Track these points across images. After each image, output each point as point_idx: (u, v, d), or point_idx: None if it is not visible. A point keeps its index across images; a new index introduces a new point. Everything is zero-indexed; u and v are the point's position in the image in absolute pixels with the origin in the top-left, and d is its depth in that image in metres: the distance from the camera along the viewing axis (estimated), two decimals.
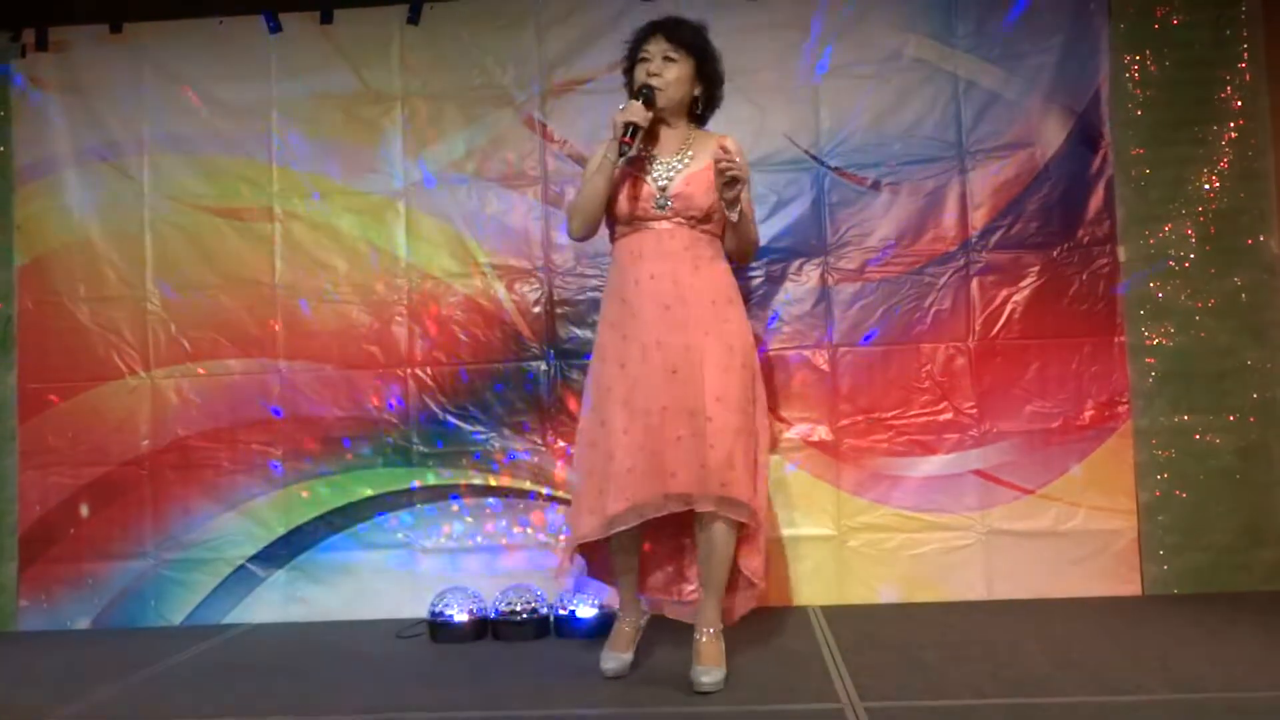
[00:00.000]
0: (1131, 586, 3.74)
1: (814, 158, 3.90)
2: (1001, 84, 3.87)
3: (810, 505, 3.84)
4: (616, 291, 2.97)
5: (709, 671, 2.82)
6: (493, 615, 3.56)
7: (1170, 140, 3.81)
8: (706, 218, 2.95)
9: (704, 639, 2.90)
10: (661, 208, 2.92)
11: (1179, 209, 3.81)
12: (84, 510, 3.99)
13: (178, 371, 4.01)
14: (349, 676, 3.16)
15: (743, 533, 2.91)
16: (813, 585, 3.81)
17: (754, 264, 3.87)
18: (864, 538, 3.82)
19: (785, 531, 3.83)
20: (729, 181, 2.83)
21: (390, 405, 3.96)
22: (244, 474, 3.97)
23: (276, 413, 3.98)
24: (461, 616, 3.54)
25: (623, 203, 2.94)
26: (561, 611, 3.53)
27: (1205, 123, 3.81)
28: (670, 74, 2.95)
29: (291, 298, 4.00)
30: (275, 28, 4.04)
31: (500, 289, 3.96)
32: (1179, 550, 3.74)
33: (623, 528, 2.84)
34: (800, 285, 3.89)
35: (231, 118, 4.05)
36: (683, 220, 2.93)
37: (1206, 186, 3.81)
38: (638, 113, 2.86)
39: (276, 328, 4.00)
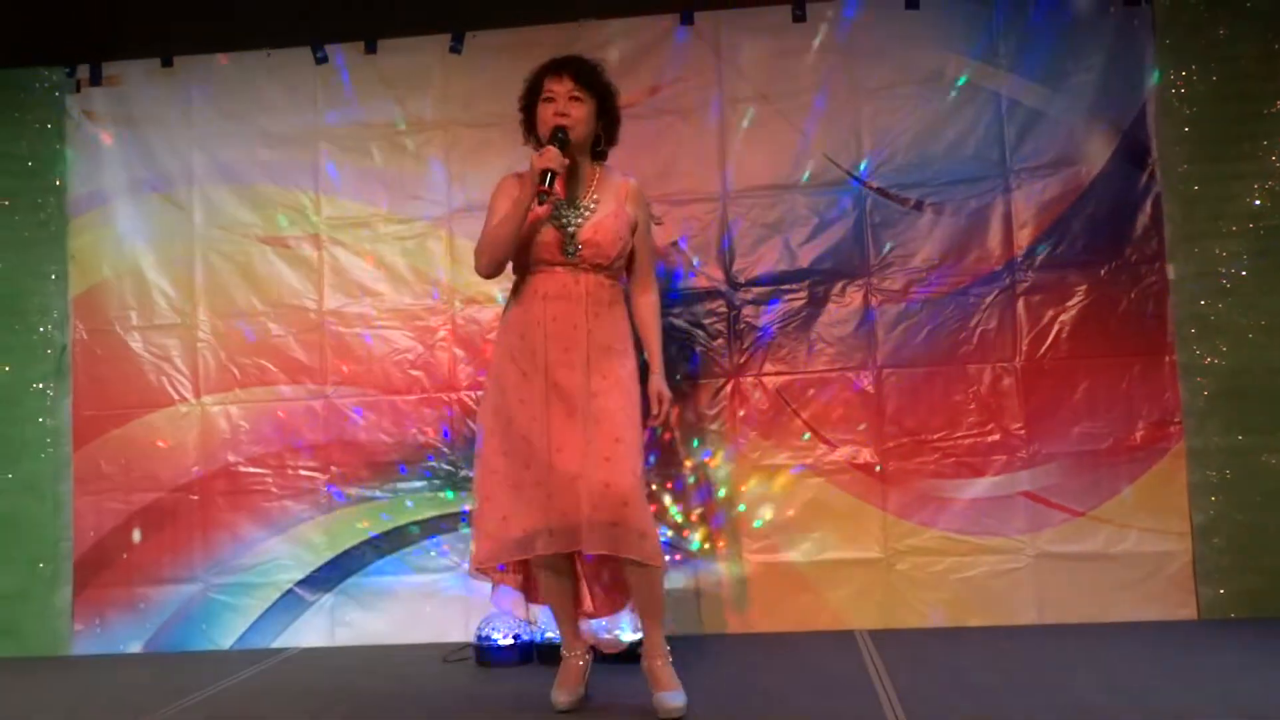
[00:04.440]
0: (1186, 610, 3.67)
1: (856, 179, 3.89)
2: (1045, 102, 3.84)
3: (856, 528, 3.81)
4: (517, 326, 2.97)
5: (675, 695, 2.83)
6: (538, 639, 3.56)
7: (1219, 156, 3.76)
8: (611, 264, 2.97)
9: (659, 664, 2.90)
10: (571, 254, 2.93)
11: (1229, 226, 3.76)
12: (136, 535, 4.05)
13: (227, 398, 4.07)
14: (395, 701, 3.17)
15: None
16: (860, 609, 3.78)
17: (796, 285, 3.88)
18: (911, 561, 3.78)
19: (831, 555, 3.80)
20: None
21: (434, 430, 3.99)
22: (292, 499, 4.01)
23: (323, 438, 4.02)
24: (506, 641, 3.54)
25: (530, 247, 2.93)
26: (605, 636, 3.51)
27: (1255, 138, 3.76)
28: (578, 112, 2.94)
29: (338, 324, 4.05)
30: (321, 59, 4.11)
31: None
32: (1235, 573, 3.66)
33: (521, 556, 2.91)
34: (843, 307, 3.87)
35: (279, 148, 4.12)
36: (589, 266, 2.94)
37: (1257, 203, 3.75)
38: (555, 159, 2.83)
39: (323, 354, 4.05)
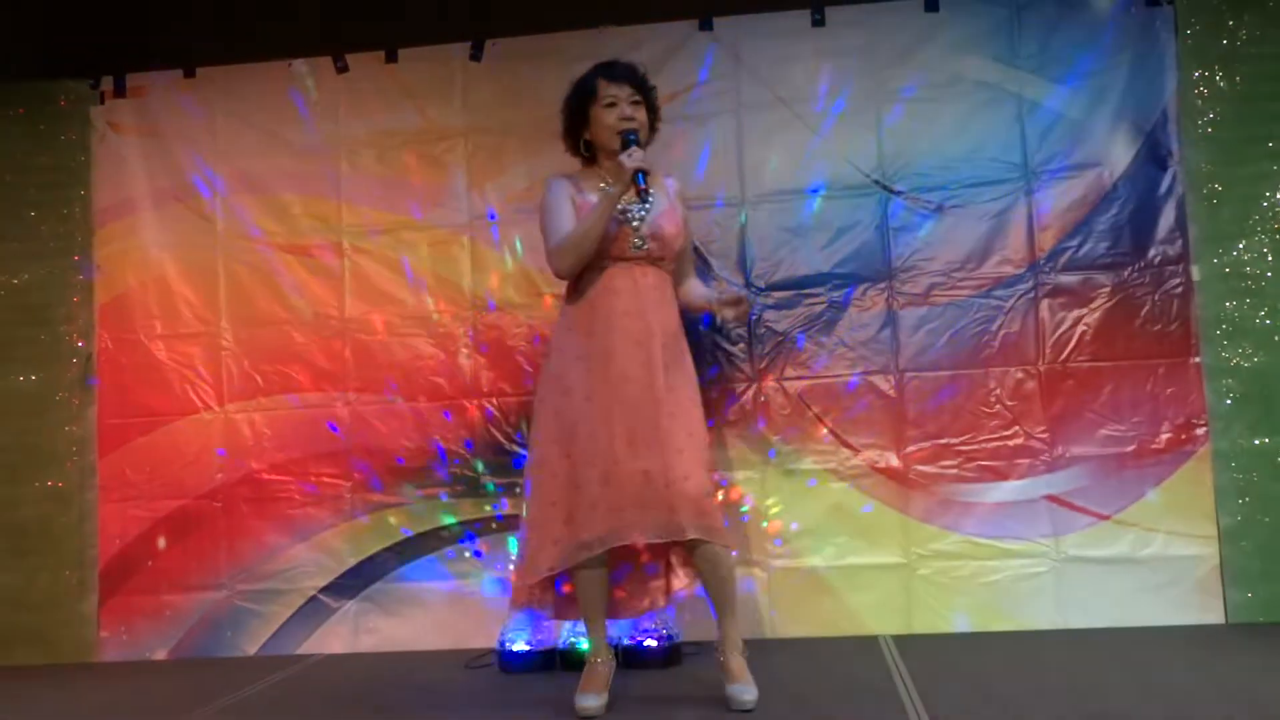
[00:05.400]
0: (1214, 614, 3.63)
1: (877, 183, 3.88)
2: (1066, 104, 3.82)
3: (878, 533, 3.79)
4: (584, 325, 3.03)
5: (747, 689, 2.89)
6: (560, 645, 3.56)
7: (1243, 157, 3.73)
8: (672, 257, 3.09)
9: (733, 659, 2.95)
10: (639, 248, 3.01)
11: (1254, 226, 3.73)
12: (161, 543, 4.07)
13: (250, 405, 4.09)
14: (418, 707, 3.18)
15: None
16: (883, 614, 3.76)
17: (817, 290, 3.87)
18: (935, 565, 3.76)
19: (853, 560, 3.79)
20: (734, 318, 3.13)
21: (457, 436, 3.99)
22: (315, 506, 4.03)
23: (346, 445, 4.03)
24: (529, 647, 3.54)
25: (602, 242, 3.00)
26: (629, 642, 3.51)
27: (1279, 138, 3.73)
28: (641, 116, 3.07)
29: (360, 331, 4.07)
30: (342, 68, 4.14)
31: None
32: (1263, 577, 3.63)
33: (586, 557, 2.92)
34: (865, 310, 3.86)
35: (300, 157, 4.14)
36: (652, 260, 3.04)
37: None
38: (645, 159, 2.97)
39: (345, 361, 4.06)
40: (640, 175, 2.93)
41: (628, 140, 2.99)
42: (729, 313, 3.09)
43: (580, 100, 3.11)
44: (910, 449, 3.80)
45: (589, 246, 2.98)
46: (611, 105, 3.04)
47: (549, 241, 3.06)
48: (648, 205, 3.03)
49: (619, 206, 2.99)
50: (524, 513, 3.10)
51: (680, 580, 3.18)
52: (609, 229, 2.98)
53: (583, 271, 3.04)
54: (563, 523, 2.94)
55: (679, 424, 2.94)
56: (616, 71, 3.10)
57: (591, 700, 2.94)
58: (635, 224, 3.01)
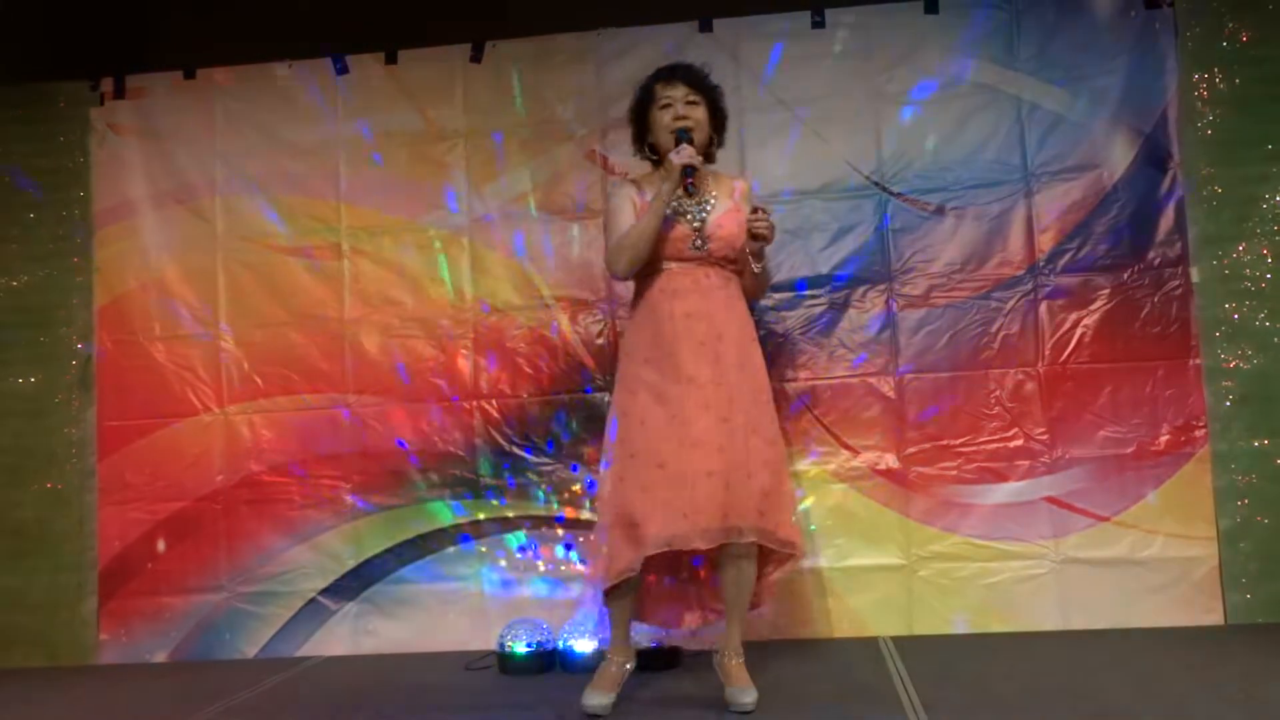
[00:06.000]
0: (1214, 616, 3.64)
1: (877, 184, 3.89)
2: (1065, 106, 3.83)
3: (878, 534, 3.79)
4: (649, 327, 3.04)
5: (747, 691, 2.91)
6: (560, 646, 3.56)
7: (1243, 159, 3.74)
8: (735, 256, 3.08)
9: (733, 662, 2.99)
10: (699, 248, 3.02)
11: (1254, 229, 3.74)
12: (161, 545, 4.07)
13: (250, 407, 4.09)
14: (418, 709, 3.18)
15: (774, 557, 3.06)
16: (883, 616, 3.76)
17: (818, 292, 3.88)
18: (935, 567, 3.76)
19: (853, 561, 3.79)
20: (756, 237, 3.01)
21: (456, 438, 4.00)
22: (314, 507, 4.03)
23: (346, 447, 4.03)
24: (528, 648, 3.54)
25: (659, 244, 3.03)
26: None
27: (1278, 140, 3.74)
28: (697, 115, 3.08)
29: (360, 333, 4.07)
30: (342, 69, 4.14)
31: (564, 321, 3.99)
32: (1262, 578, 3.63)
33: (653, 552, 2.93)
34: (865, 312, 3.86)
35: (300, 158, 4.14)
36: (715, 260, 3.04)
37: None
38: (693, 155, 2.99)
39: (345, 362, 4.06)
40: (688, 170, 2.94)
41: (679, 137, 3.01)
42: (754, 245, 3.03)
43: (641, 105, 3.16)
44: (910, 450, 3.81)
45: (643, 246, 3.00)
46: (666, 107, 3.08)
47: (608, 242, 3.09)
48: (708, 205, 3.04)
49: (677, 208, 3.02)
50: (598, 516, 3.13)
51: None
52: (665, 229, 3.00)
53: (646, 274, 3.07)
54: (634, 524, 2.93)
55: (746, 424, 2.95)
56: (672, 73, 3.13)
57: (599, 698, 2.94)
58: (695, 225, 3.03)
